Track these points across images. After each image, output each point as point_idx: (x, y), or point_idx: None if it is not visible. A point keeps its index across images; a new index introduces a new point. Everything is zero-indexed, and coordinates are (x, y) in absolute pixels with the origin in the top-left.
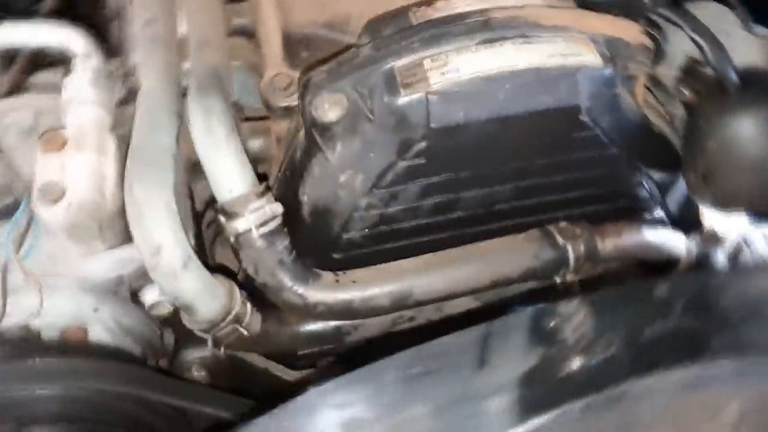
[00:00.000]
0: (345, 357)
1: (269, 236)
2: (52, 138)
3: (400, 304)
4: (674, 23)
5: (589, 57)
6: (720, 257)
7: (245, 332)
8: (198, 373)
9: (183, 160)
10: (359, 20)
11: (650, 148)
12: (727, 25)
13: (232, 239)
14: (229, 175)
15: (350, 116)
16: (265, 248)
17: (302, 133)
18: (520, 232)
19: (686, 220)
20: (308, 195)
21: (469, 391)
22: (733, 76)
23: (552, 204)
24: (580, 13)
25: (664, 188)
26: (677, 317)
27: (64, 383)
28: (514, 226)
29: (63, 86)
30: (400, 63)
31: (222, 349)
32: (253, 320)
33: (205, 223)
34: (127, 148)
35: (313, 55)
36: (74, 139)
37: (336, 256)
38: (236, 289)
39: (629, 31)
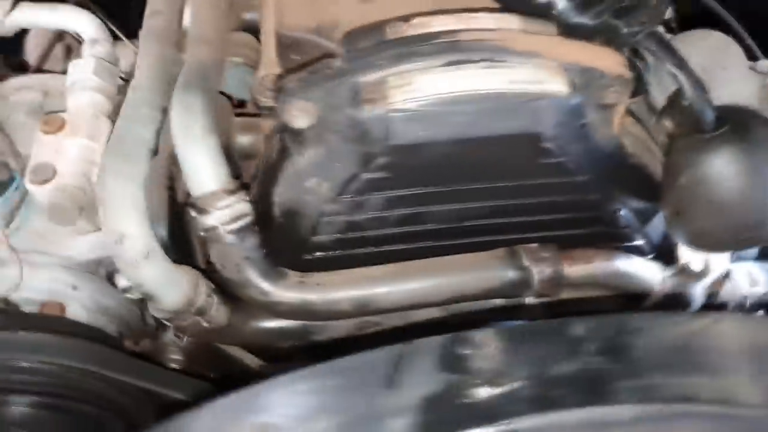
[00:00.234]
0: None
1: (237, 233)
2: (52, 120)
3: (361, 310)
4: (653, 55)
5: (555, 85)
6: (697, 293)
7: (206, 324)
8: (175, 356)
9: (167, 152)
10: (347, 27)
11: (627, 178)
12: (727, 58)
13: (201, 233)
14: (201, 171)
15: (319, 125)
16: (233, 244)
17: (278, 135)
18: (489, 249)
19: (669, 252)
20: (279, 196)
21: (374, 409)
22: (710, 115)
23: (523, 225)
24: (556, 40)
25: (645, 217)
26: (587, 358)
27: (32, 357)
28: (485, 242)
29: (68, 70)
30: (366, 78)
31: (185, 339)
32: (218, 313)
33: None
34: None
35: (302, 58)
36: (71, 124)
37: (307, 257)
38: (202, 282)
39: (606, 60)
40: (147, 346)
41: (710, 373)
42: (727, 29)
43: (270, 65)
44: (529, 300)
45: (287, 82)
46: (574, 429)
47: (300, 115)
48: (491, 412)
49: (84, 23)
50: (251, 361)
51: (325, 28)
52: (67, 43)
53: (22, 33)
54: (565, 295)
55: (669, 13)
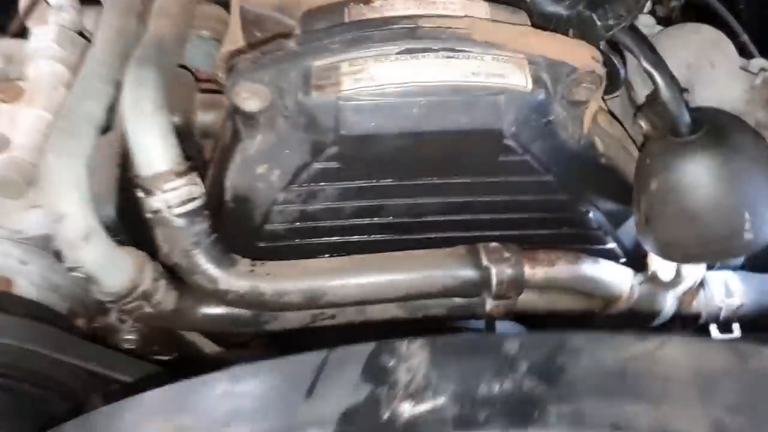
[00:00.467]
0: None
1: (186, 217)
2: (8, 89)
3: (312, 302)
4: (629, 51)
5: (518, 79)
6: (668, 302)
7: (150, 310)
8: (129, 336)
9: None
10: (310, 5)
11: (597, 179)
12: (717, 55)
13: (148, 216)
14: (149, 150)
15: (271, 109)
16: (180, 228)
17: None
18: (451, 245)
19: (643, 257)
20: (230, 181)
21: (292, 419)
22: (685, 118)
23: (486, 222)
24: (525, 30)
25: (617, 220)
26: (519, 377)
27: None
28: (445, 238)
29: (31, 36)
30: (318, 62)
31: (130, 323)
32: (165, 298)
33: None
34: None
35: (264, 35)
36: (29, 93)
37: (260, 244)
38: (149, 265)
39: (578, 54)
40: (101, 325)
41: (648, 401)
42: (723, 24)
43: (234, 41)
44: (489, 302)
45: (238, 62)
46: None
47: (250, 98)
48: (410, 429)
49: None
50: (207, 344)
51: (289, 4)
52: None
53: None
54: (528, 297)
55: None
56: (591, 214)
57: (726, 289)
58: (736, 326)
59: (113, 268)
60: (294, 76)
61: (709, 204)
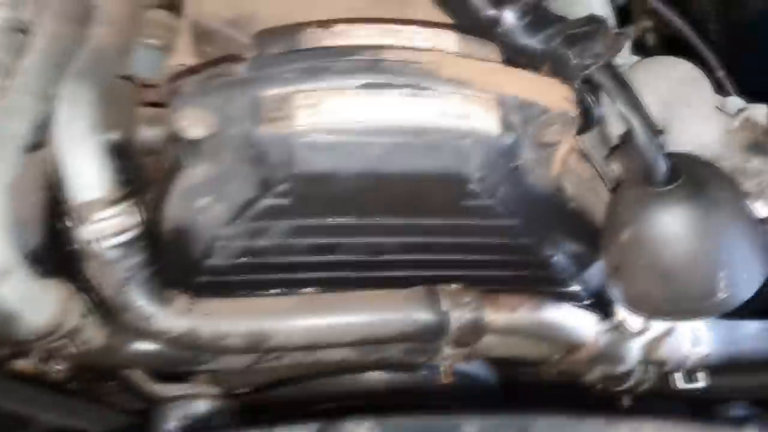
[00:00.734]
0: None
1: (119, 249)
2: None
3: (254, 347)
4: (605, 91)
5: (486, 122)
6: (633, 350)
7: (74, 350)
8: (58, 366)
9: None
10: (265, 22)
11: (564, 223)
12: (693, 92)
13: (77, 246)
14: (81, 175)
15: (216, 138)
16: (112, 262)
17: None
18: (411, 284)
19: (608, 301)
20: (169, 212)
21: None
22: (662, 167)
23: (447, 263)
24: (495, 67)
25: (583, 263)
26: None
27: None
28: (405, 277)
29: None
30: (269, 92)
31: (54, 365)
32: (94, 334)
33: None
34: None
35: (215, 52)
36: None
37: (202, 279)
38: (75, 300)
39: (551, 93)
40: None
41: None
42: (699, 58)
43: (182, 54)
44: (446, 349)
45: (183, 85)
46: None
47: (194, 124)
48: None
49: None
50: (143, 377)
51: (243, 20)
52: None
53: None
54: (488, 341)
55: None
56: (556, 258)
57: (694, 338)
58: (701, 375)
59: (35, 305)
60: (243, 105)
61: (683, 261)
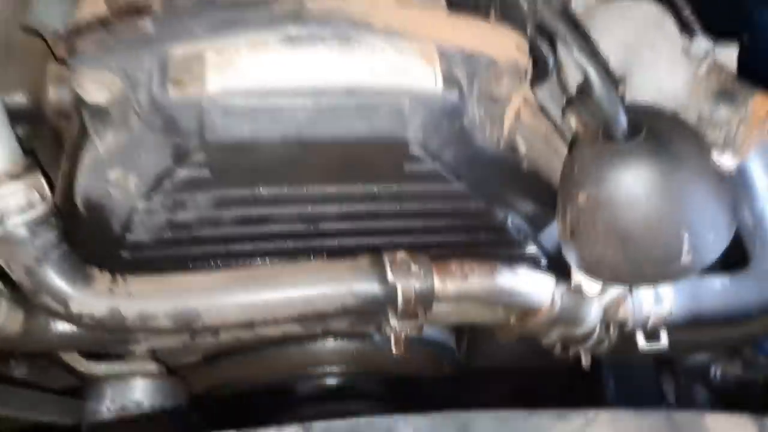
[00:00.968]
0: None
1: (26, 227)
2: None
3: (183, 326)
4: (559, 38)
5: (426, 78)
6: (592, 311)
7: None
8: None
9: None
10: None
11: (517, 183)
12: (657, 35)
13: None
14: None
15: (123, 103)
16: (20, 241)
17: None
18: (355, 252)
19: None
20: (80, 185)
21: None
22: (622, 120)
23: (393, 229)
24: (436, 15)
25: (539, 224)
26: None
27: None
28: (350, 247)
29: None
30: (177, 49)
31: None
32: (8, 321)
33: None
34: None
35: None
36: None
37: (124, 254)
38: None
39: (499, 43)
40: None
41: None
42: None
43: (93, 2)
44: (393, 321)
45: (81, 44)
46: None
47: (96, 88)
48: None
49: None
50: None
51: None
52: None
53: None
54: (439, 308)
55: None
56: (510, 220)
57: (655, 296)
58: (663, 335)
59: None
60: (148, 65)
61: (644, 222)
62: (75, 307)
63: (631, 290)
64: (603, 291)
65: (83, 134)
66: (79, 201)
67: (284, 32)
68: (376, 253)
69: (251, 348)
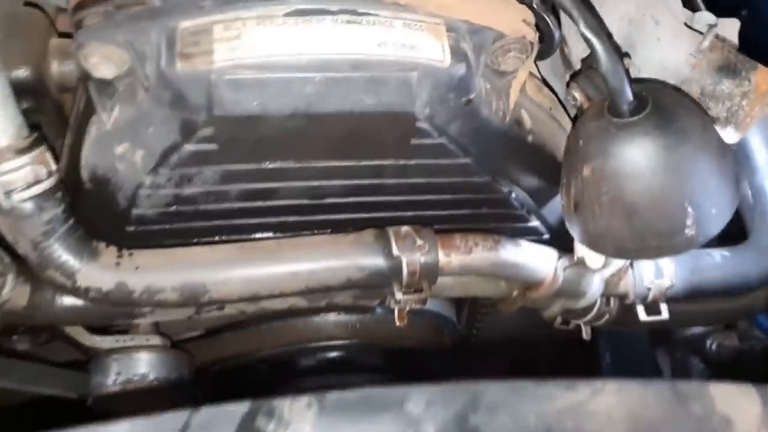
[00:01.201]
0: None
1: (33, 201)
2: None
3: (190, 300)
4: (565, 12)
5: (433, 52)
6: (594, 284)
7: None
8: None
9: None
10: None
11: (522, 157)
12: (661, 9)
13: None
14: None
15: (129, 77)
16: (27, 216)
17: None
18: (360, 226)
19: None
20: (86, 159)
21: None
22: (627, 95)
23: (398, 204)
24: None
25: (543, 197)
26: None
27: None
28: (353, 219)
29: None
30: (185, 23)
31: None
32: (15, 294)
33: None
34: None
35: None
36: None
37: (129, 229)
38: None
39: (506, 17)
40: None
41: None
42: None
43: None
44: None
45: (87, 17)
46: None
47: (103, 62)
48: None
49: None
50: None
51: None
52: None
53: None
54: (443, 282)
55: None
56: (513, 194)
57: (656, 269)
58: (664, 307)
59: None
60: (156, 39)
61: (648, 196)
62: (82, 281)
63: (632, 264)
64: (605, 264)
65: (89, 108)
66: (84, 175)
67: (292, 5)
68: (381, 227)
69: (254, 321)
